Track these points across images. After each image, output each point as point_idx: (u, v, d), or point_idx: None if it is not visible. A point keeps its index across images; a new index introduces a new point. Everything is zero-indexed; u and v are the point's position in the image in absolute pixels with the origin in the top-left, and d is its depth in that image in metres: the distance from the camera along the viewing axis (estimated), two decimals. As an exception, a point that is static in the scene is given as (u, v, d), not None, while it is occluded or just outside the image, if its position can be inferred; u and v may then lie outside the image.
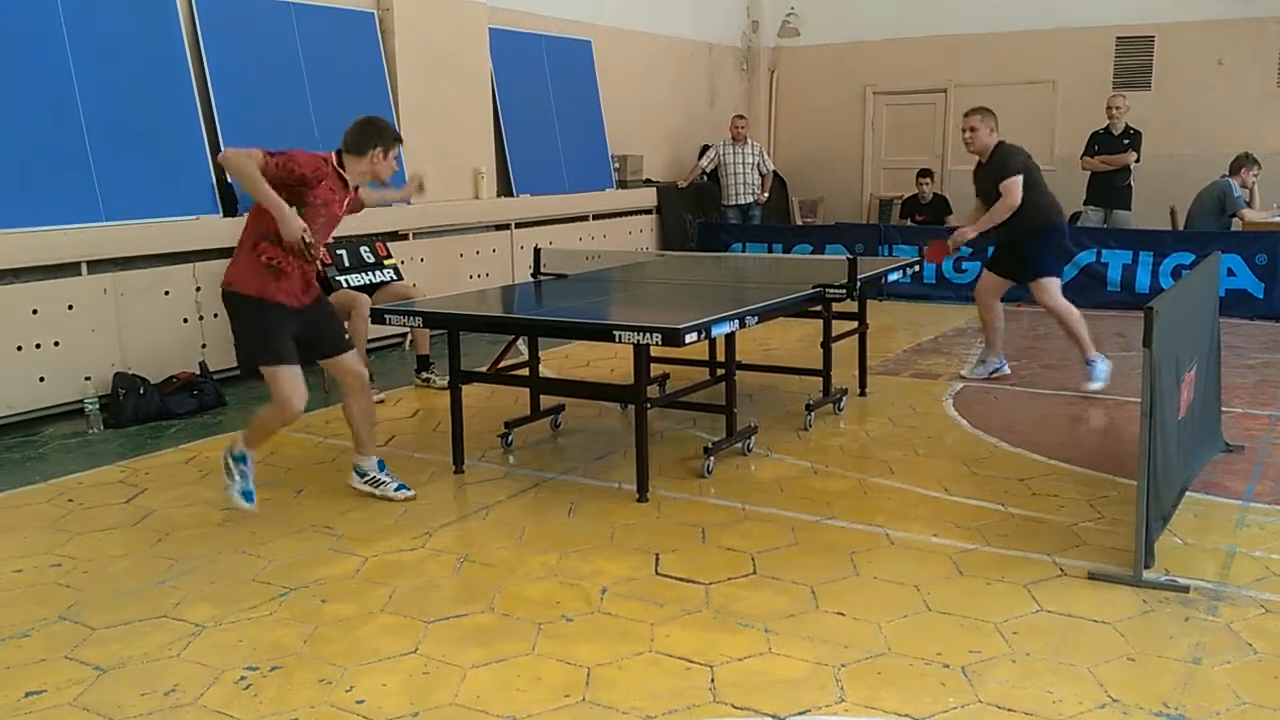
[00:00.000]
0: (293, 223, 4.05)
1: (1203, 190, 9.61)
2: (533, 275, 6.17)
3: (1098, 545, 3.92)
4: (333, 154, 4.32)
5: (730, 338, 4.93)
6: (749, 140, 11.17)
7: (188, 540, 4.17)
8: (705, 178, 11.51)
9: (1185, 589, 3.50)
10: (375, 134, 4.35)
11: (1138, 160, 9.64)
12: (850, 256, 5.66)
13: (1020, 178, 6.12)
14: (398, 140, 4.44)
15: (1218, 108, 11.13)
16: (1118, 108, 9.75)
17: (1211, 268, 5.09)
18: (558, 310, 5.27)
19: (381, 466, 4.63)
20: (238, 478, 4.31)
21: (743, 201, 11.14)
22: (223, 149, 4.41)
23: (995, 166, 6.28)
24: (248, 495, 4.32)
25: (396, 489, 4.58)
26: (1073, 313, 6.31)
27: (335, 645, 3.24)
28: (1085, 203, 10.00)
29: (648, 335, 4.18)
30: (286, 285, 4.23)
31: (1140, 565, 3.55)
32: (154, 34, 6.65)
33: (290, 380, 4.21)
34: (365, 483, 4.60)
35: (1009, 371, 6.73)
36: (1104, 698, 2.86)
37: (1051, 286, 6.27)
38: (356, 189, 4.45)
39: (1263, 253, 8.83)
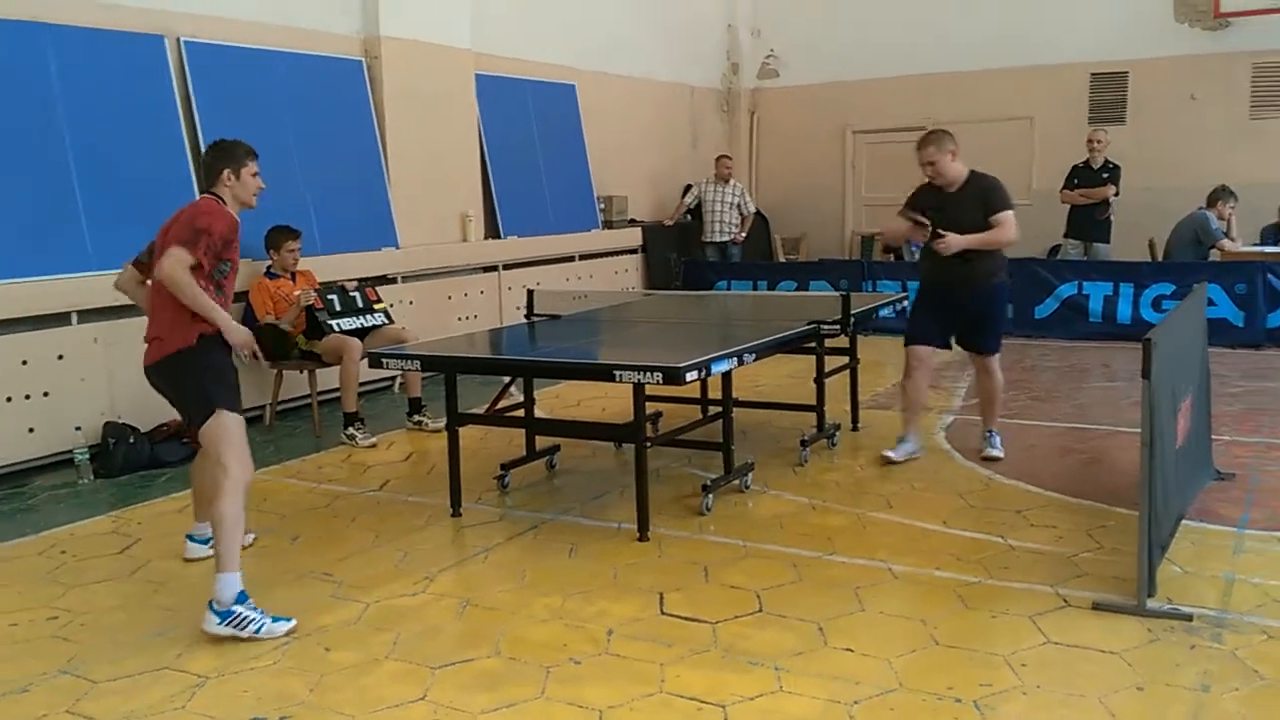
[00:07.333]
0: (239, 333, 3.84)
1: (1180, 222, 9.72)
2: (525, 317, 6.18)
3: (1099, 575, 3.94)
4: (212, 198, 3.91)
5: (727, 375, 4.95)
6: (732, 180, 11.28)
7: (184, 590, 4.12)
8: (689, 216, 11.63)
9: (1189, 617, 3.52)
10: (222, 157, 3.91)
11: (1116, 194, 9.79)
12: (843, 292, 5.70)
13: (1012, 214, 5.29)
14: (250, 155, 3.95)
15: (1192, 141, 11.31)
16: (1099, 142, 9.92)
17: (1199, 298, 5.16)
18: (556, 351, 5.29)
19: (243, 598, 3.63)
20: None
21: (720, 239, 11.24)
22: (163, 264, 3.63)
23: (981, 195, 5.28)
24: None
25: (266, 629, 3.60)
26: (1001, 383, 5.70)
27: (342, 694, 3.21)
28: (1065, 235, 10.16)
29: (648, 375, 4.20)
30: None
31: (1144, 594, 3.58)
32: (144, 83, 6.67)
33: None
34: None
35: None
36: (1117, 728, 2.86)
37: (998, 359, 5.60)
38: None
39: (1242, 282, 8.95)
